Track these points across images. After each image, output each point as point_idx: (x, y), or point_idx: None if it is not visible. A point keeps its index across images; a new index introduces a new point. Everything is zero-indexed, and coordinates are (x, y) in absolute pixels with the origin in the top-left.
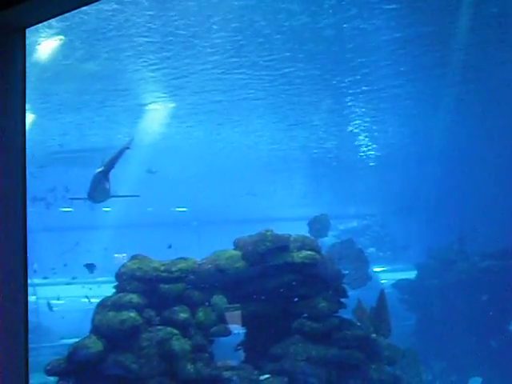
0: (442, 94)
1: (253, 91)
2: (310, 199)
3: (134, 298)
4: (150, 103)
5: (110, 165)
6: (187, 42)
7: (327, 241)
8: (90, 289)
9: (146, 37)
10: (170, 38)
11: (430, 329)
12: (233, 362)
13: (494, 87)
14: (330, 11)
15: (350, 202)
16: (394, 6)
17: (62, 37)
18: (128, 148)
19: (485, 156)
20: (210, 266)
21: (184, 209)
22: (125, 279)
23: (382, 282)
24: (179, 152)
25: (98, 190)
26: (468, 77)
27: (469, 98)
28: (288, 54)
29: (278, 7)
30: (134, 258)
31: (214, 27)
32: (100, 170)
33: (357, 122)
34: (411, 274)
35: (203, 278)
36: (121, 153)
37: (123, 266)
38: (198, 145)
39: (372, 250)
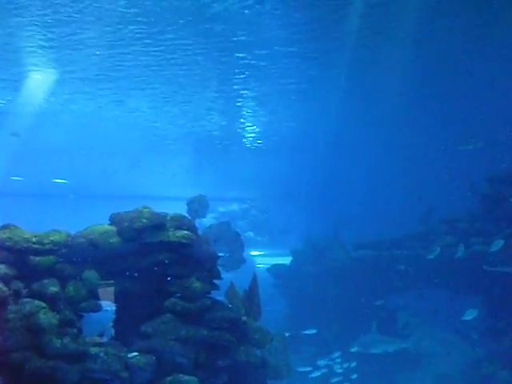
0: (329, 81)
1: (139, 68)
2: (192, 180)
3: (2, 268)
4: (32, 71)
5: None
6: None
7: (206, 222)
8: None
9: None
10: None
11: (301, 314)
12: (101, 339)
13: (380, 77)
14: None
15: (232, 184)
16: None
17: None
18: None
19: (365, 148)
20: (83, 239)
21: (63, 181)
22: None
23: (259, 266)
24: (60, 122)
25: None
26: (354, 68)
27: (355, 86)
28: (175, 32)
29: None
30: (4, 227)
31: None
32: None
33: (243, 105)
34: (287, 260)
35: (76, 252)
36: None
37: None
38: (79, 116)
39: (251, 233)
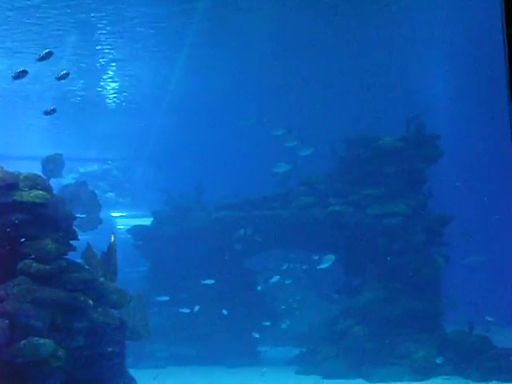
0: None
1: None
2: (51, 139)
3: None
4: None
5: None
6: None
7: (64, 182)
8: None
9: None
10: None
11: (162, 275)
12: None
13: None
14: None
15: (93, 144)
16: None
17: None
18: None
19: (229, 110)
20: None
21: None
22: None
23: (119, 227)
24: None
25: None
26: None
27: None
28: None
29: None
30: None
31: None
32: None
33: (103, 62)
34: (148, 221)
35: None
36: None
37: None
38: None
39: (111, 194)
